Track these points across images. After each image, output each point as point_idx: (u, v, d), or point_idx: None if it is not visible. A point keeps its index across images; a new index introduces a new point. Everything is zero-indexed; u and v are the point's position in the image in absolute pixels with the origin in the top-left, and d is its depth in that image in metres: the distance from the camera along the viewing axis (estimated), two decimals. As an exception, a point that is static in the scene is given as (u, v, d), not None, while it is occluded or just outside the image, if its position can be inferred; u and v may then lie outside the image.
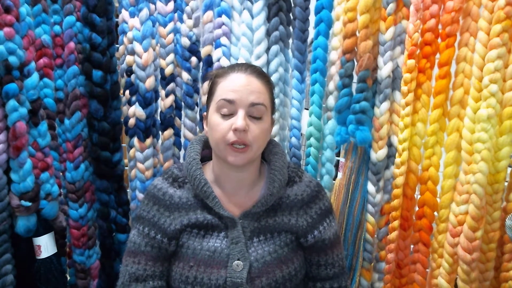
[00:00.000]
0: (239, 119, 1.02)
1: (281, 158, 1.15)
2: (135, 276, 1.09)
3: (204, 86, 1.40)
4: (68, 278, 1.47)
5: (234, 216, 1.08)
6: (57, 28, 1.36)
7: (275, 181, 1.10)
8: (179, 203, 1.11)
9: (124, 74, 1.40)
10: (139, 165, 1.41)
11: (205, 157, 1.19)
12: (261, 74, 1.09)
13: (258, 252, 1.08)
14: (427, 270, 1.36)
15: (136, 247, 1.11)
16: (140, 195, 1.43)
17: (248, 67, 1.09)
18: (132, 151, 1.42)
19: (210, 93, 1.10)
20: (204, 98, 1.32)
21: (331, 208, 1.19)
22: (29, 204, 1.21)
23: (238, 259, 1.06)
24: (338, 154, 1.50)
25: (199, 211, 1.09)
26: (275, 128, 1.39)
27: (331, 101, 1.36)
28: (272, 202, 1.10)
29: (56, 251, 1.32)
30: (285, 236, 1.12)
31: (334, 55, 1.34)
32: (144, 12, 1.34)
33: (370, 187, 1.35)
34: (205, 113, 1.15)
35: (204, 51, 1.40)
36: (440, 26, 1.22)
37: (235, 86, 1.05)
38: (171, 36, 1.41)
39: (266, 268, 1.07)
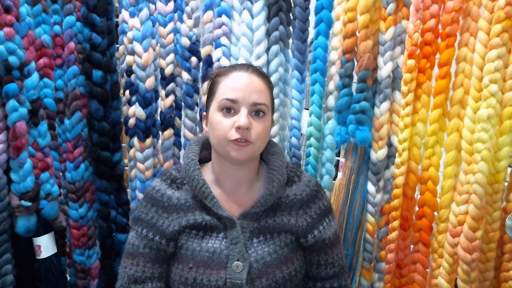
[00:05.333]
0: (242, 117, 1.02)
1: (280, 158, 1.15)
2: (134, 278, 1.09)
3: (204, 86, 1.40)
4: (68, 278, 1.47)
5: (233, 216, 1.08)
6: (57, 28, 1.36)
7: (274, 181, 1.10)
8: (177, 204, 1.10)
9: (124, 74, 1.40)
10: (139, 165, 1.41)
11: (204, 159, 1.19)
12: (262, 74, 1.10)
13: (258, 252, 1.08)
14: (427, 270, 1.36)
15: (135, 249, 1.11)
16: (140, 195, 1.43)
17: (250, 67, 1.09)
18: (132, 151, 1.42)
19: (211, 92, 1.10)
20: (204, 98, 1.33)
21: (331, 208, 1.19)
22: (29, 204, 1.21)
23: (238, 260, 1.06)
24: (338, 154, 1.50)
25: (198, 212, 1.09)
26: (275, 128, 1.39)
27: (331, 101, 1.36)
28: (271, 202, 1.10)
29: (56, 251, 1.32)
30: (285, 236, 1.12)
31: (334, 55, 1.34)
32: (144, 12, 1.35)
33: (370, 187, 1.35)
34: (204, 113, 1.15)
35: (204, 51, 1.40)
36: (440, 26, 1.22)
37: (238, 85, 1.05)
38: (171, 36, 1.41)
39: (266, 269, 1.07)
